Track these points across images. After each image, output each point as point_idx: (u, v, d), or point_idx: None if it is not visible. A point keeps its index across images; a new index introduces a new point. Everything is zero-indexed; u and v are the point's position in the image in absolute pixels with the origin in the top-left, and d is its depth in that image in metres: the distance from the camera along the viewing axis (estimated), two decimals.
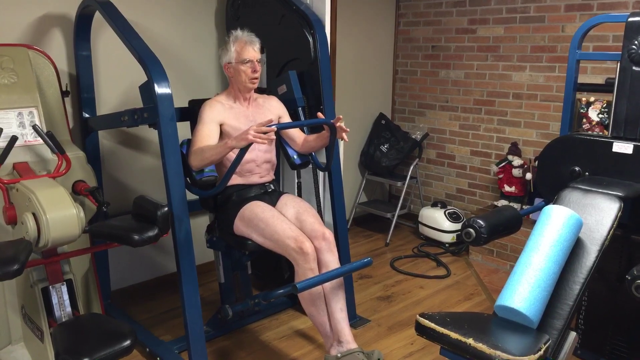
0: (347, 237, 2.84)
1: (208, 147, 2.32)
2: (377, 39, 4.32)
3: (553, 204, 2.00)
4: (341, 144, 2.89)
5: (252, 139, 2.11)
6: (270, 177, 2.63)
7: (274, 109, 2.62)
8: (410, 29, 4.35)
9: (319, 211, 2.88)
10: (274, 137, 2.18)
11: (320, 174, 2.90)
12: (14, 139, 2.06)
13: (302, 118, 2.74)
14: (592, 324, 2.42)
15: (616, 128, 2.22)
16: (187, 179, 2.41)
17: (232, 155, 2.34)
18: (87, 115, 2.78)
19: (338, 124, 2.33)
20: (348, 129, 2.34)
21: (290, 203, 2.51)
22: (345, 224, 2.84)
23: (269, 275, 3.19)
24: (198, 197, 2.64)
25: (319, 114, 2.40)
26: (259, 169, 2.56)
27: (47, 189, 1.89)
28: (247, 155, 2.46)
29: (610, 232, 1.86)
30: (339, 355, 2.25)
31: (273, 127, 2.14)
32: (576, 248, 1.83)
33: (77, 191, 2.28)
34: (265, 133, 2.11)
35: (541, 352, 1.50)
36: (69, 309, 2.03)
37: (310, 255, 2.25)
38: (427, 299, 3.22)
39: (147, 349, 2.57)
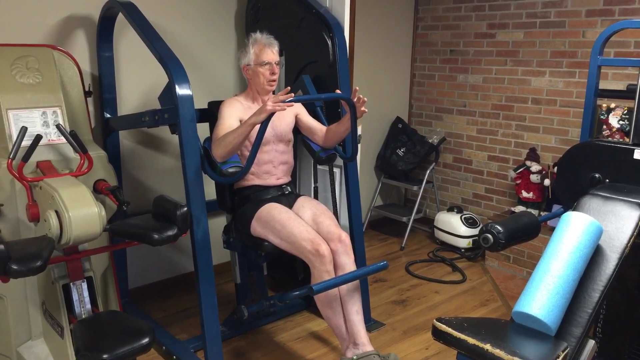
0: (362, 240, 2.85)
1: (229, 132, 2.31)
2: (395, 42, 4.32)
3: (572, 210, 1.98)
4: (359, 147, 2.89)
5: (271, 108, 2.12)
6: (287, 179, 2.64)
7: (291, 109, 2.63)
8: (428, 32, 4.35)
9: (335, 214, 2.88)
10: (293, 104, 2.18)
11: (337, 177, 2.90)
12: (38, 137, 2.10)
13: (322, 115, 2.74)
14: (610, 332, 2.38)
15: (637, 135, 2.19)
16: (214, 171, 2.41)
17: (249, 148, 2.35)
18: (108, 115, 2.82)
19: (356, 97, 2.32)
20: (366, 99, 2.33)
21: (307, 205, 2.53)
22: (361, 227, 2.84)
23: (284, 277, 3.20)
24: (216, 198, 2.66)
25: (337, 90, 2.37)
26: (275, 170, 2.57)
27: (70, 187, 1.92)
28: (265, 156, 2.49)
29: (631, 240, 1.83)
30: (354, 357, 2.25)
31: (291, 94, 2.15)
32: (596, 256, 1.81)
33: (98, 190, 2.32)
34: (284, 102, 2.12)
35: None
36: (88, 306, 2.06)
37: (327, 258, 2.26)
38: (442, 304, 3.20)
39: (164, 347, 2.59)
